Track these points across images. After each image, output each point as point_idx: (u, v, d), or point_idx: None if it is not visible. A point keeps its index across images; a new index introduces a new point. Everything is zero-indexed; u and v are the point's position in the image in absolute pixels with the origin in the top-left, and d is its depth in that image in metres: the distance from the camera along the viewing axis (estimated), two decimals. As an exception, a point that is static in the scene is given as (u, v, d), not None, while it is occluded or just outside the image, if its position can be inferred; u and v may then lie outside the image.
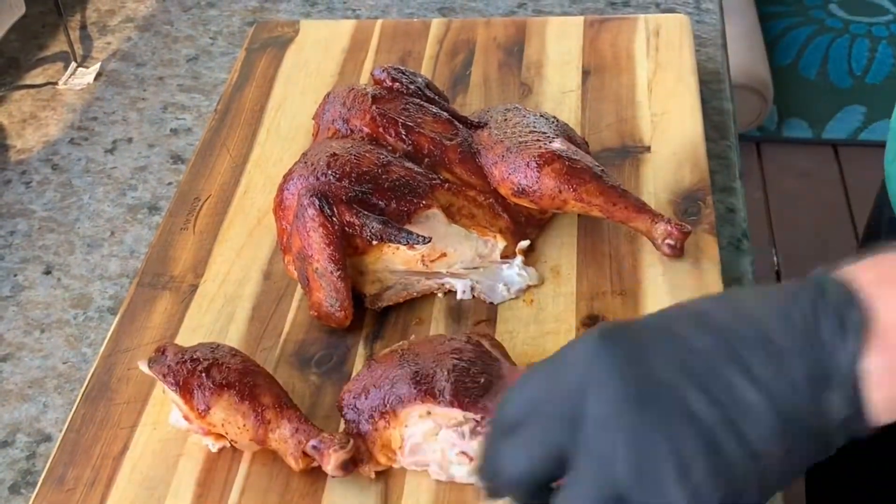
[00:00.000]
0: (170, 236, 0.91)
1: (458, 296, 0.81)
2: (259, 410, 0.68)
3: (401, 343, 0.73)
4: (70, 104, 1.19)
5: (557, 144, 0.83)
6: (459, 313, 0.80)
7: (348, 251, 0.78)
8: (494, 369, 0.70)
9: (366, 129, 0.84)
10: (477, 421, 0.66)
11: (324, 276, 0.77)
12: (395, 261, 0.80)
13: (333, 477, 0.68)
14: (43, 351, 0.88)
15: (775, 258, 2.44)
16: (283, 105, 1.04)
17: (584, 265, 0.82)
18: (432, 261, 0.80)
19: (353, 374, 0.76)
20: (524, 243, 0.83)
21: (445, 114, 0.87)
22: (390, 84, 0.88)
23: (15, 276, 0.96)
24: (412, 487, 0.68)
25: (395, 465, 0.69)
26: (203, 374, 0.69)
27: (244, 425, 0.68)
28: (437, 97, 0.90)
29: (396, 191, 0.79)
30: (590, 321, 0.78)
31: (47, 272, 0.97)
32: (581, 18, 1.11)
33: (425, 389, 0.66)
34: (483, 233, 0.82)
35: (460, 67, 1.06)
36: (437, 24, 1.13)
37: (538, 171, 0.80)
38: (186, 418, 0.70)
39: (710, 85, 1.09)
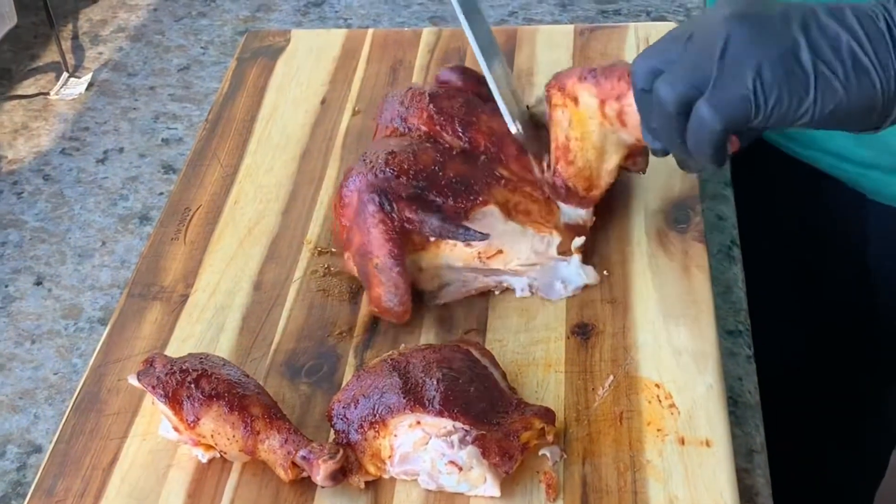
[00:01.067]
0: (160, 247, 0.91)
1: (517, 293, 0.81)
2: (248, 421, 0.68)
3: (390, 352, 0.72)
4: (61, 114, 1.20)
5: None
6: (450, 322, 0.80)
7: (408, 248, 0.79)
8: (484, 379, 0.70)
9: (423, 128, 0.84)
10: (466, 430, 0.66)
11: (384, 271, 0.78)
12: (454, 258, 0.80)
13: (323, 487, 0.67)
14: (34, 362, 0.88)
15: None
16: (273, 114, 1.04)
17: (574, 274, 0.82)
18: (489, 258, 0.80)
19: (344, 383, 0.76)
20: (580, 240, 0.82)
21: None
22: (459, 84, 0.89)
23: (6, 286, 0.96)
24: (402, 497, 0.68)
25: (385, 475, 0.68)
26: (192, 385, 0.69)
27: (233, 436, 0.68)
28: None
29: (454, 188, 0.79)
30: (579, 329, 0.78)
31: (38, 283, 0.97)
32: (571, 27, 1.11)
33: (414, 399, 0.66)
34: (539, 229, 0.81)
35: (451, 76, 1.06)
36: (427, 32, 1.13)
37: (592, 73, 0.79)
38: (176, 429, 0.70)
39: (700, 93, 1.09)
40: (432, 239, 0.78)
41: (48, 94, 1.23)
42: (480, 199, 0.80)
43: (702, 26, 0.63)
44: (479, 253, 0.80)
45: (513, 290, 0.82)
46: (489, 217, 0.80)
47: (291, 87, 1.07)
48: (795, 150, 0.95)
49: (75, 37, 1.33)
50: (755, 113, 0.60)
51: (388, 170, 0.79)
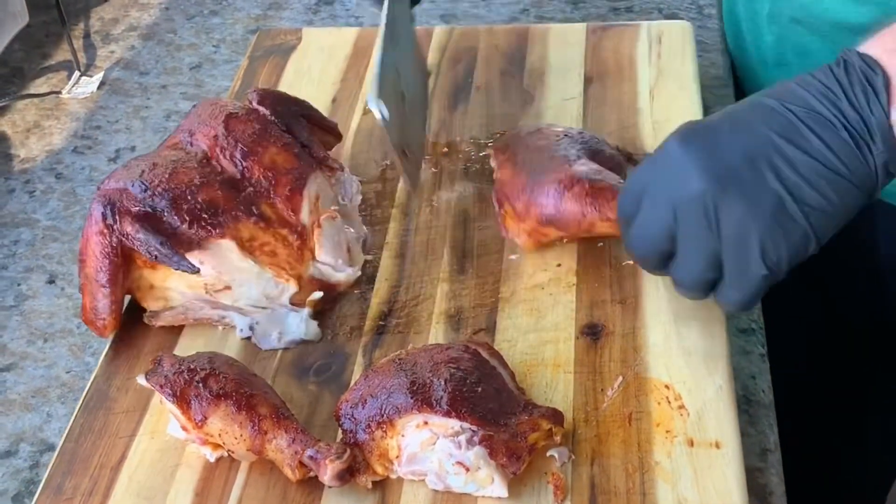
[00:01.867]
0: (171, 245, 0.91)
1: (237, 333, 0.80)
2: (256, 420, 0.68)
3: (398, 352, 0.72)
4: (73, 113, 1.20)
5: (579, 167, 0.80)
6: (458, 322, 0.80)
7: (138, 263, 0.78)
8: (492, 379, 0.70)
9: (203, 146, 0.82)
10: (473, 431, 0.66)
11: (92, 282, 0.77)
12: (181, 283, 0.79)
13: (330, 487, 0.67)
14: (46, 360, 0.88)
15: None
16: (284, 113, 1.04)
17: (584, 273, 0.82)
18: (217, 291, 0.79)
19: (352, 383, 0.76)
20: (317, 294, 0.81)
21: (298, 147, 0.85)
22: (255, 107, 0.86)
23: (18, 285, 0.96)
24: (409, 497, 0.68)
25: (392, 475, 0.68)
26: (200, 385, 0.69)
27: (241, 435, 0.68)
28: (307, 128, 0.87)
29: (196, 213, 0.77)
30: (589, 330, 0.78)
31: (51, 281, 0.97)
32: (583, 25, 1.10)
33: (422, 399, 0.66)
34: (279, 273, 0.80)
35: (462, 75, 1.06)
36: (439, 31, 1.13)
37: (559, 198, 0.78)
38: (184, 428, 0.70)
39: (714, 90, 1.08)
40: (150, 261, 0.77)
41: (60, 92, 1.23)
42: (218, 230, 0.78)
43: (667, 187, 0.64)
44: (206, 284, 0.79)
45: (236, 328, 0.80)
46: (224, 250, 0.78)
47: (303, 86, 1.07)
48: None
49: (87, 35, 1.33)
50: (773, 281, 0.64)
51: (137, 181, 0.78)
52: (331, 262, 0.82)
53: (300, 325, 0.80)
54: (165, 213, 0.77)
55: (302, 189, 0.82)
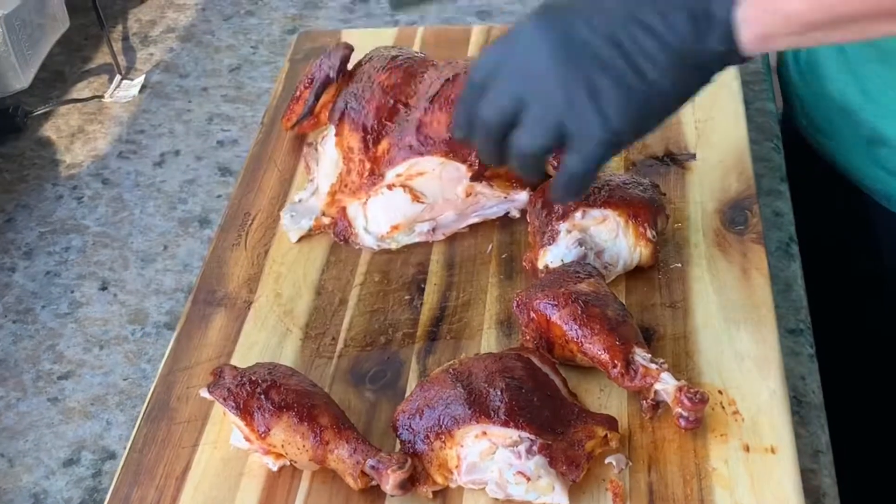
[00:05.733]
0: (222, 253, 0.93)
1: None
2: (318, 431, 0.69)
3: (452, 362, 0.73)
4: (116, 117, 1.21)
5: (583, 286, 0.76)
6: (509, 328, 0.81)
7: None
8: (545, 386, 0.71)
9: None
10: (532, 440, 0.67)
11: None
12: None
13: (392, 496, 0.69)
14: (103, 368, 0.90)
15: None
16: (328, 119, 1.05)
17: (634, 277, 0.83)
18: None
19: (407, 390, 0.77)
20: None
21: None
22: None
23: (72, 292, 0.98)
24: (469, 505, 0.69)
25: (452, 485, 0.70)
26: (262, 396, 0.70)
27: (304, 446, 0.70)
28: None
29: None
30: (642, 333, 0.78)
31: (103, 288, 0.99)
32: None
33: (480, 409, 0.67)
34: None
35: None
36: (477, 30, 1.13)
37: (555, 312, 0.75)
38: (247, 439, 0.72)
39: (752, 86, 1.08)
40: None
41: (102, 96, 1.25)
42: None
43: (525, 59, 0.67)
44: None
45: None
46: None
47: (345, 91, 1.07)
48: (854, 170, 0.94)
49: (125, 38, 1.34)
50: (614, 150, 0.67)
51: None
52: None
53: None
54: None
55: None
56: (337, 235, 0.90)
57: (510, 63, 0.68)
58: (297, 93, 0.96)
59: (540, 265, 0.81)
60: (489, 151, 0.71)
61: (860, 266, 0.98)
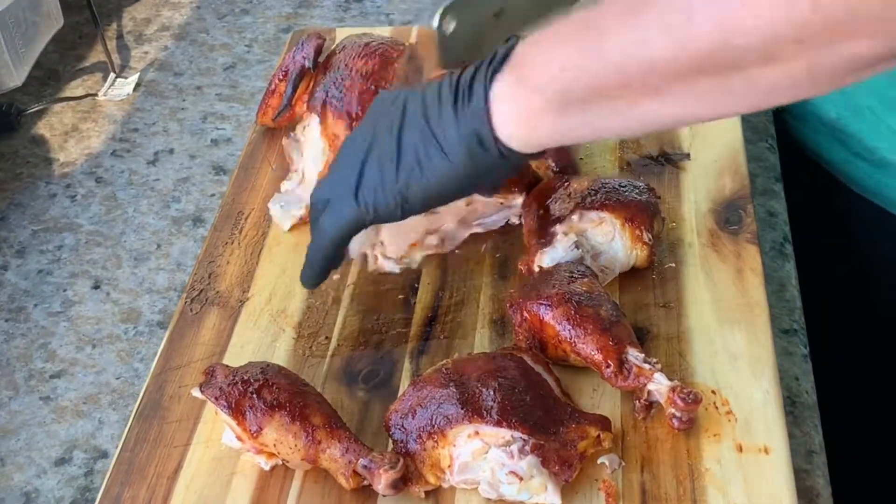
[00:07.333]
0: (215, 251, 0.92)
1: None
2: (310, 431, 0.69)
3: (444, 362, 0.73)
4: (111, 115, 1.21)
5: (576, 286, 0.76)
6: (503, 327, 0.81)
7: None
8: (538, 386, 0.71)
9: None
10: (524, 439, 0.67)
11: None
12: None
13: (384, 496, 0.69)
14: (96, 367, 0.90)
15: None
16: (322, 117, 1.05)
17: (628, 277, 0.83)
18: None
19: (400, 389, 0.77)
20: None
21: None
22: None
23: (64, 290, 0.98)
24: (462, 505, 0.69)
25: (445, 485, 0.69)
26: (254, 396, 0.70)
27: (296, 445, 0.69)
28: None
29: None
30: (636, 333, 0.78)
31: (96, 287, 0.99)
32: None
33: (472, 409, 0.67)
34: None
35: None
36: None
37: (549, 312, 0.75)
38: (239, 438, 0.71)
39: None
40: None
41: (96, 95, 1.25)
42: None
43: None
44: None
45: None
46: None
47: (339, 89, 1.07)
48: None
49: (120, 36, 1.34)
50: (358, 224, 0.71)
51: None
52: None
53: None
54: None
55: None
56: None
57: (339, 182, 0.73)
58: (272, 86, 0.97)
59: (536, 268, 0.81)
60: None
61: (851, 263, 0.98)
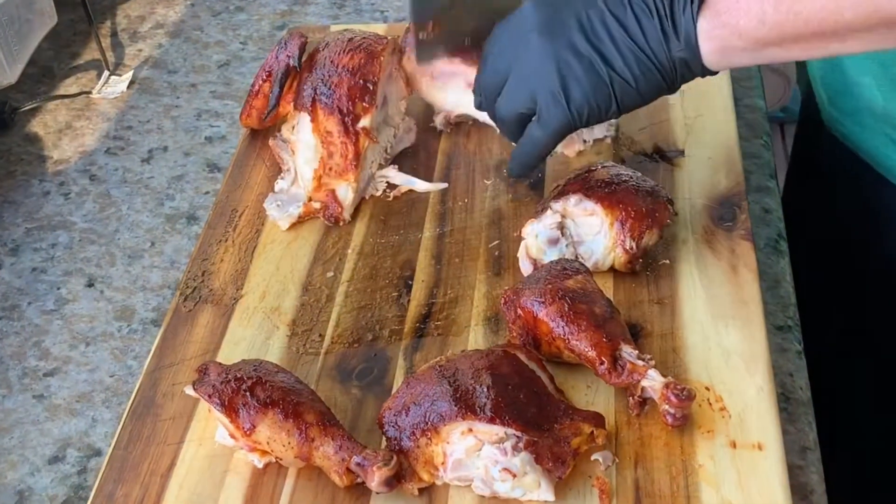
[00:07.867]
0: (209, 248, 0.92)
1: None
2: (303, 428, 0.69)
3: (438, 359, 0.73)
4: (104, 113, 1.21)
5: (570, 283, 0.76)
6: (497, 324, 0.81)
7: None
8: (532, 383, 0.71)
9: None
10: (518, 436, 0.67)
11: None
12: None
13: (378, 493, 0.69)
14: (89, 365, 0.89)
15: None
16: (316, 114, 1.04)
17: (621, 274, 0.83)
18: None
19: (394, 387, 0.76)
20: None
21: None
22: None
23: (58, 289, 0.98)
24: (456, 502, 0.69)
25: (438, 482, 0.69)
26: (247, 393, 0.70)
27: (289, 443, 0.69)
28: None
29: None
30: (629, 330, 0.78)
31: (90, 284, 0.99)
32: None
33: (466, 406, 0.67)
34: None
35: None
36: (466, 27, 1.12)
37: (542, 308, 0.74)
38: (232, 436, 0.71)
39: (742, 82, 1.08)
40: None
41: (90, 92, 1.24)
42: None
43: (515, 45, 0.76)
44: None
45: None
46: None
47: (333, 86, 1.07)
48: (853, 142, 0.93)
49: (114, 34, 1.34)
50: (570, 128, 0.75)
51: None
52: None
53: None
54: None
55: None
56: (328, 218, 0.91)
57: (504, 36, 0.78)
58: (256, 87, 0.96)
59: (523, 234, 0.83)
60: (491, 115, 0.80)
61: (866, 256, 0.97)
